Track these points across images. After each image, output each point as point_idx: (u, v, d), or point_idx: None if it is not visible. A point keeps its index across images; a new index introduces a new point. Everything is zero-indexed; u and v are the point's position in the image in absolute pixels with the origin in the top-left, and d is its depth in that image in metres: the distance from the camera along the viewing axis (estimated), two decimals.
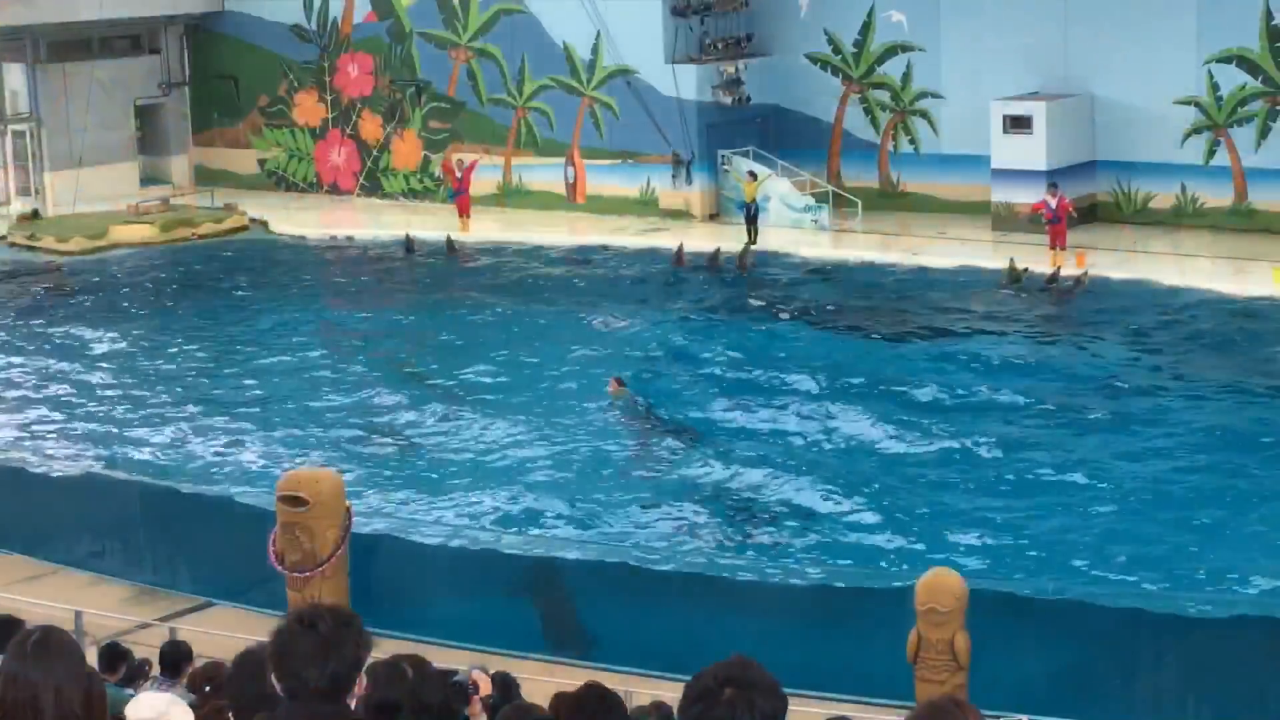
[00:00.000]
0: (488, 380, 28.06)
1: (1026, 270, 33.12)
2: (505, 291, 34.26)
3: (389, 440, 25.17)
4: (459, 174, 39.99)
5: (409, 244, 38.19)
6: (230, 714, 6.80)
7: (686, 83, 39.48)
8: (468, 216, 39.50)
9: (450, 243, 38.13)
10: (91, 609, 17.16)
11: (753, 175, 37.70)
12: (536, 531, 20.55)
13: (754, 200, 37.26)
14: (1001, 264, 33.80)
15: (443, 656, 13.18)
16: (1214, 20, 35.63)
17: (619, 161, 40.24)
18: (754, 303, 32.60)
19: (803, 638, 16.32)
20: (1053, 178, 35.64)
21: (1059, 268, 33.04)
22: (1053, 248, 34.01)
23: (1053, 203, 34.18)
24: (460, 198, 39.68)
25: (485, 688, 8.32)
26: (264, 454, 24.47)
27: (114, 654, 12.99)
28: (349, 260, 38.82)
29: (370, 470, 23.52)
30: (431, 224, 40.45)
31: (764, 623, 16.39)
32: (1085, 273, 32.58)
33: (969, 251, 35.26)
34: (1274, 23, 35.18)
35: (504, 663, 13.22)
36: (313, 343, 31.27)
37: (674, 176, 39.75)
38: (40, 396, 27.98)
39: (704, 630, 16.46)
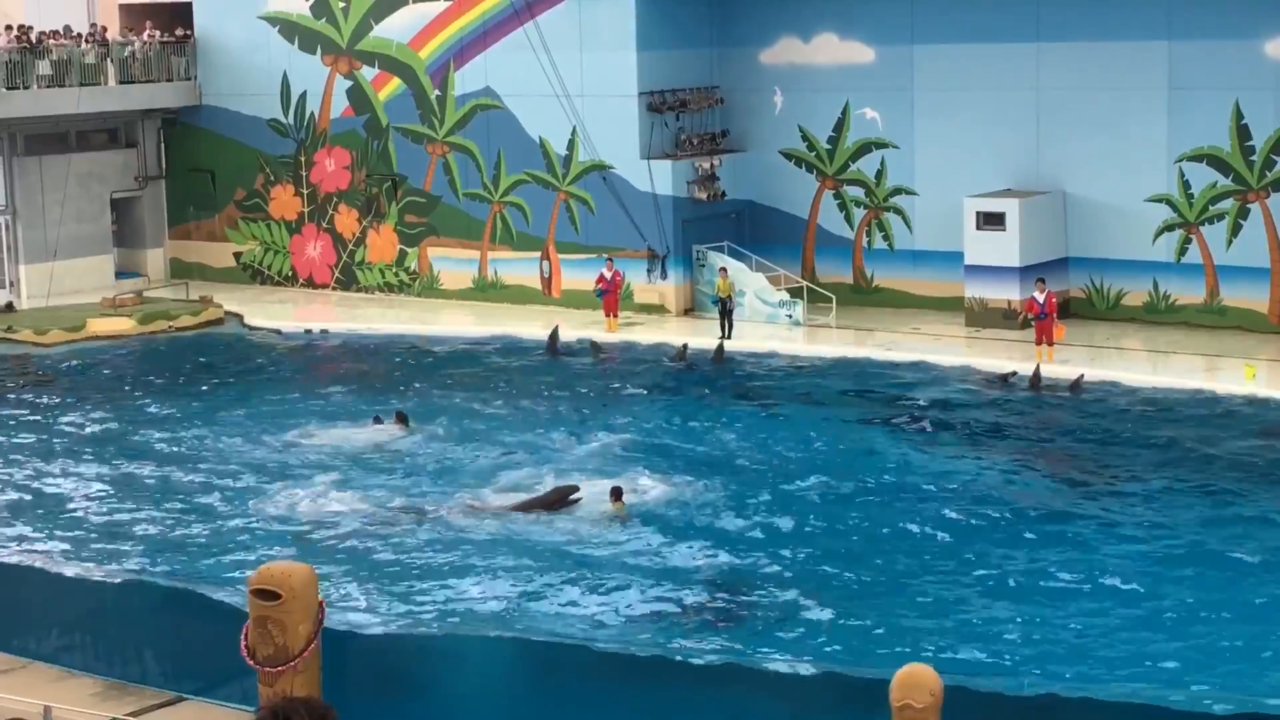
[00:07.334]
0: (461, 472, 28.01)
1: (1014, 374, 33.05)
2: (463, 386, 34.31)
3: (363, 532, 25.03)
4: (608, 275, 38.91)
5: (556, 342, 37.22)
6: None
7: (662, 178, 39.68)
8: (613, 316, 38.63)
9: None
10: (61, 704, 16.99)
11: (723, 271, 37.82)
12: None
13: (729, 295, 37.37)
14: (977, 361, 33.99)
15: None
16: (1185, 119, 35.97)
17: (594, 256, 40.34)
18: (731, 396, 32.56)
19: None
20: (1027, 274, 35.91)
21: (1038, 366, 32.97)
22: (1039, 343, 34.07)
23: (1040, 298, 34.29)
24: (607, 296, 38.67)
25: None
26: (236, 548, 24.31)
27: None
28: (319, 354, 38.82)
29: (344, 564, 23.38)
30: (405, 318, 40.62)
31: (736, 711, 16.24)
32: (1081, 375, 32.46)
33: (943, 347, 35.37)
34: (1243, 122, 35.51)
35: None
36: (278, 434, 31.04)
37: (649, 271, 39.88)
38: (7, 488, 27.79)
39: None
